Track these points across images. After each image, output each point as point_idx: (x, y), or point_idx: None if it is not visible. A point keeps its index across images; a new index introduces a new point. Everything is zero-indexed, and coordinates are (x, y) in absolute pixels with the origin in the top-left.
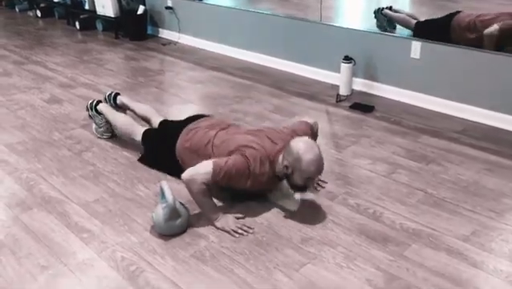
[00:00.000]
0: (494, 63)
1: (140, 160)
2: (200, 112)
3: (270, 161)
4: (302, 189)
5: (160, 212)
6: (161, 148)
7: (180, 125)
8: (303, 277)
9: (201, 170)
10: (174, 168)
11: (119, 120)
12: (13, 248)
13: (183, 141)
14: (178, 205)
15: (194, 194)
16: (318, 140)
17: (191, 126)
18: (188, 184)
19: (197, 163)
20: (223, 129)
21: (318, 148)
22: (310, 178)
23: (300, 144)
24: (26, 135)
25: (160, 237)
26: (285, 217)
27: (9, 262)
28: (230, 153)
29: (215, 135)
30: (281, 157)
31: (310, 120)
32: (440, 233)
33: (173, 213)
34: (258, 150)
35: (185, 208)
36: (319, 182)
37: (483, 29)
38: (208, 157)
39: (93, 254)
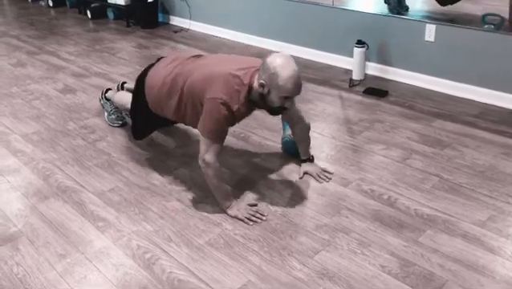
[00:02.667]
0: (511, 44)
1: (134, 135)
2: None
3: (249, 87)
4: (279, 111)
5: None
6: (138, 107)
7: (142, 76)
8: (317, 264)
9: (205, 149)
10: (160, 122)
11: (117, 94)
12: (31, 237)
13: (149, 91)
14: None
15: (210, 178)
16: (331, 126)
17: (151, 72)
18: (205, 169)
19: (170, 105)
20: (185, 65)
21: (296, 64)
22: (287, 97)
23: (277, 60)
24: (41, 125)
25: (175, 225)
26: (299, 204)
27: (27, 250)
28: (202, 105)
29: (178, 73)
30: (256, 77)
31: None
32: (455, 218)
33: None
34: (228, 85)
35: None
36: (326, 174)
37: None
38: (175, 98)
39: (109, 243)
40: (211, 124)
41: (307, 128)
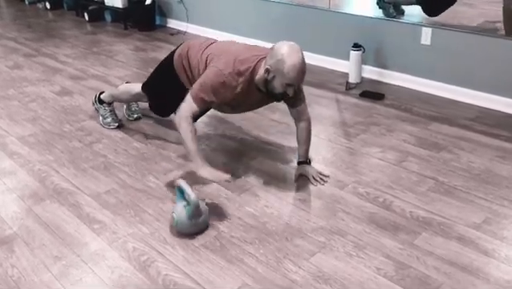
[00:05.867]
0: (507, 48)
1: (152, 108)
2: None
3: (251, 70)
4: (281, 97)
5: (182, 210)
6: (164, 81)
7: (170, 55)
8: (313, 266)
9: (184, 106)
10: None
11: (119, 88)
12: (26, 239)
13: (179, 60)
14: (200, 202)
15: (182, 134)
16: (327, 128)
17: (180, 48)
18: (177, 123)
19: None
20: (211, 44)
21: (303, 54)
22: (289, 85)
23: (284, 47)
24: (37, 127)
25: (171, 227)
26: (295, 206)
27: (23, 253)
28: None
29: (207, 46)
30: (263, 64)
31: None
32: (451, 221)
33: (197, 210)
34: (232, 58)
35: (206, 204)
36: (322, 177)
37: None
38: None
39: (105, 245)
40: (200, 85)
41: (309, 127)
